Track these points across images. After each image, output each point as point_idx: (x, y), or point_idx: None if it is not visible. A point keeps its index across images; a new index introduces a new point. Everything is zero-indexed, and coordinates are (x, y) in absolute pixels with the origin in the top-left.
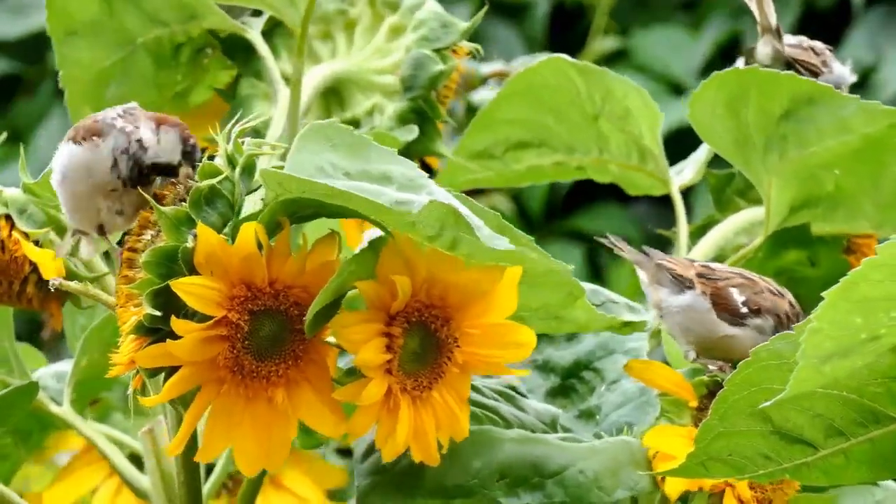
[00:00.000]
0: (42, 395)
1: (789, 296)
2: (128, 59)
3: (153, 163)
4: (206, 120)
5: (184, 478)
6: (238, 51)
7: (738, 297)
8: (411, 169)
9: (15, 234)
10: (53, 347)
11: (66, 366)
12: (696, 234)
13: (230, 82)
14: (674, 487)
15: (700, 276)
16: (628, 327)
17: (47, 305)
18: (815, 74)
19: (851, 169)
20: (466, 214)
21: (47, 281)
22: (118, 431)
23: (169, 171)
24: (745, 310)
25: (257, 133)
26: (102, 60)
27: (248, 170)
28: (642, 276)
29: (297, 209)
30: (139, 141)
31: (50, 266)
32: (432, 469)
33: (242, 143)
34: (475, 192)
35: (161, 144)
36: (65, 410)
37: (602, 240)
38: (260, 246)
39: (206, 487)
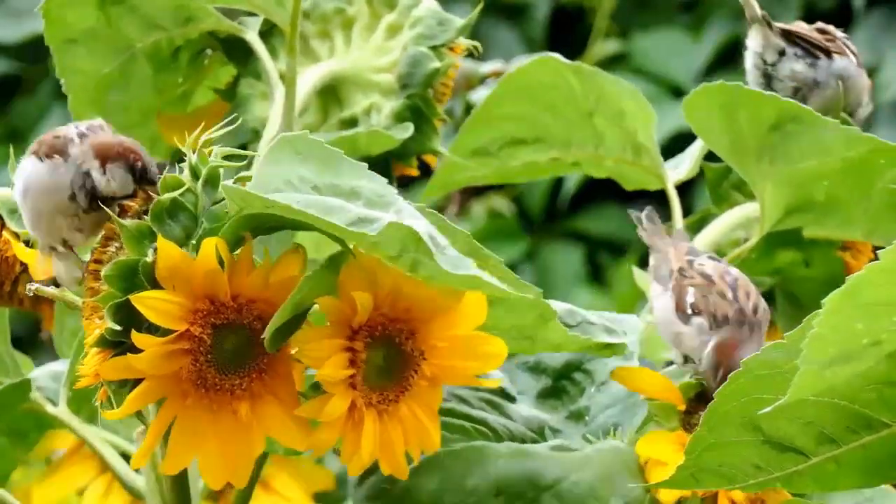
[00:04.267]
0: (38, 396)
1: (749, 304)
2: (127, 64)
3: (110, 196)
4: (208, 121)
5: (171, 480)
6: (237, 51)
7: (690, 297)
8: (381, 185)
9: (5, 235)
10: (53, 348)
11: (62, 366)
12: (693, 227)
13: (230, 82)
14: (668, 497)
15: (680, 270)
16: (607, 349)
17: (39, 306)
18: (822, 50)
19: (839, 183)
20: (430, 235)
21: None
22: (110, 434)
23: (127, 198)
24: (690, 311)
25: (256, 133)
26: (102, 67)
27: (213, 181)
28: (652, 262)
29: (262, 223)
30: (91, 179)
31: (40, 267)
32: (428, 490)
33: (209, 153)
34: (475, 194)
35: (111, 182)
36: (61, 411)
37: (632, 212)
38: (223, 260)
39: (200, 486)
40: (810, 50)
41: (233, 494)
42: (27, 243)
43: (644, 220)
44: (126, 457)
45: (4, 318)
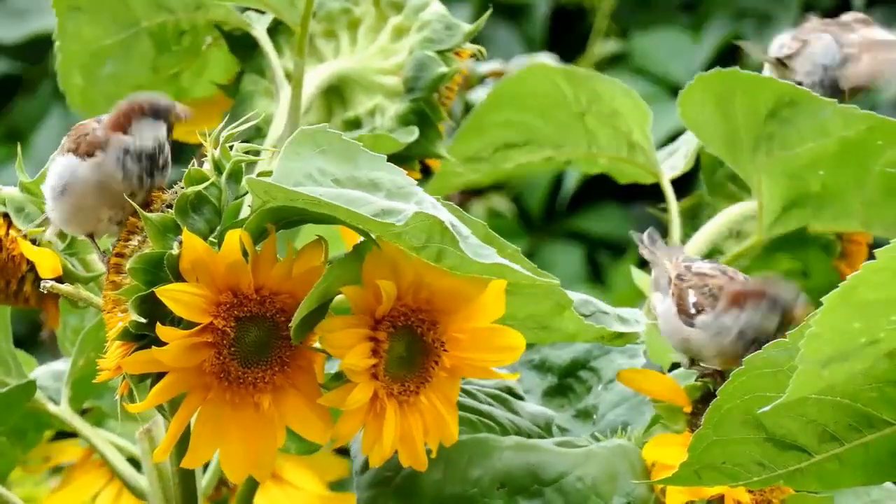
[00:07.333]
0: (40, 395)
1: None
2: (129, 40)
3: (154, 153)
4: (208, 113)
5: (179, 478)
6: (241, 46)
7: (691, 298)
8: (401, 176)
9: (12, 233)
10: (53, 348)
11: (63, 365)
12: (687, 213)
13: (233, 78)
14: (675, 500)
15: (678, 276)
16: (620, 339)
17: (44, 304)
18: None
19: (835, 170)
20: (453, 225)
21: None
22: (115, 436)
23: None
24: (693, 311)
25: (259, 131)
26: (103, 38)
27: (236, 175)
28: (652, 276)
29: (284, 216)
30: (129, 152)
31: (47, 265)
32: (431, 480)
33: (231, 147)
34: (474, 194)
35: (144, 141)
36: (62, 410)
37: (635, 234)
38: (246, 252)
39: (203, 485)
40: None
41: (237, 492)
42: (34, 242)
43: (646, 240)
44: (130, 459)
45: (7, 317)
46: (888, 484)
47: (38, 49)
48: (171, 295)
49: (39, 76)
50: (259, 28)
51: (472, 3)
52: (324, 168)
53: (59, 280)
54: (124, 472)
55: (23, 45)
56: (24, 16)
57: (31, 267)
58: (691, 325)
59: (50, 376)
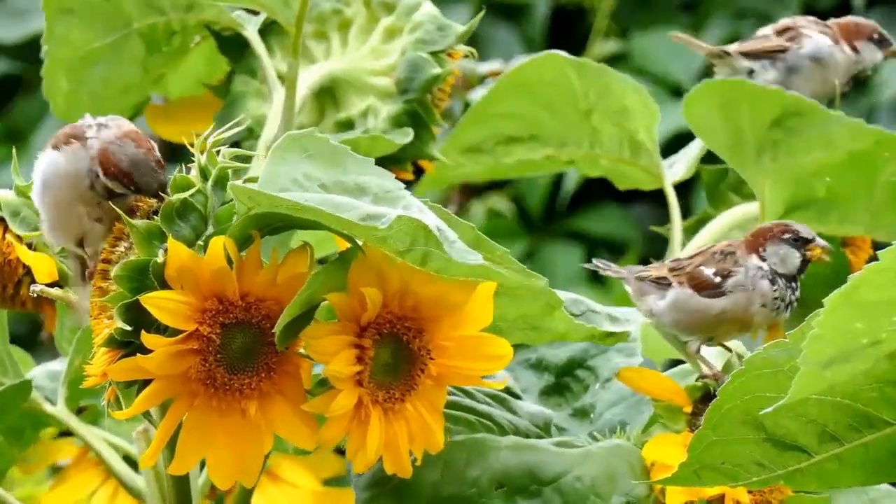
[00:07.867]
0: (36, 395)
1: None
2: (120, 42)
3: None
4: (196, 113)
5: (173, 479)
6: (231, 46)
7: (709, 271)
8: (388, 180)
9: (8, 237)
10: (52, 348)
11: (59, 365)
12: (691, 229)
13: (223, 78)
14: (675, 500)
15: (672, 269)
16: (611, 338)
17: (41, 308)
18: (781, 50)
19: (841, 178)
20: (439, 228)
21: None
22: (110, 434)
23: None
24: (718, 279)
25: (251, 132)
26: (92, 41)
27: (222, 182)
28: (629, 291)
29: (269, 222)
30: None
31: (43, 269)
32: (429, 480)
33: (217, 153)
34: (474, 194)
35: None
36: (59, 410)
37: (587, 265)
38: (231, 259)
39: (200, 484)
40: (772, 56)
41: (234, 491)
42: (30, 246)
43: (602, 266)
44: (126, 457)
45: (3, 318)
46: (885, 484)
47: (38, 49)
48: (155, 303)
49: (39, 76)
50: (251, 28)
51: (470, 3)
52: (310, 173)
53: (55, 283)
54: (121, 471)
55: (23, 45)
56: (24, 16)
57: (28, 271)
58: (721, 294)
59: (46, 376)
